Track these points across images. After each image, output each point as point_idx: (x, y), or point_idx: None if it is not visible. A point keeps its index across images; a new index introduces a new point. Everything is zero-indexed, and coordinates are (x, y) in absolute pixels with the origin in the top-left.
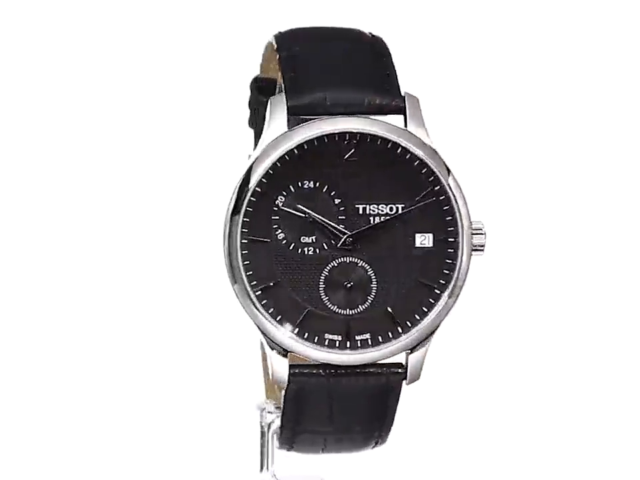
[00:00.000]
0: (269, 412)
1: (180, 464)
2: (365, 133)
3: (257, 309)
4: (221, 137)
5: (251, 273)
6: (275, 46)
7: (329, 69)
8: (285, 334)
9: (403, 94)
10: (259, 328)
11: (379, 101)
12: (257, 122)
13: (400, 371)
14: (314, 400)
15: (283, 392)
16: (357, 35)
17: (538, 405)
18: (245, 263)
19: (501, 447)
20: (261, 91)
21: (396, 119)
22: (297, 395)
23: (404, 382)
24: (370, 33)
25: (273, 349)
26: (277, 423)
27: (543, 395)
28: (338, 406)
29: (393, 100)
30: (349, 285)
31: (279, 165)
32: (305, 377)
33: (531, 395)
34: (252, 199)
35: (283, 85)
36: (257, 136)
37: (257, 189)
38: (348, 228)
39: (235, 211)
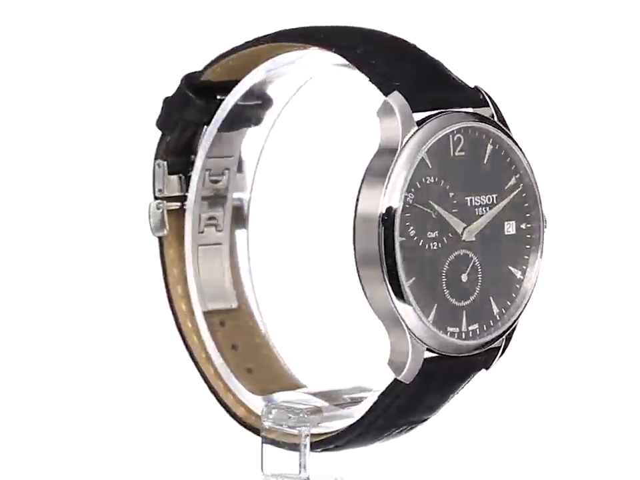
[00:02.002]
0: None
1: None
2: (467, 127)
3: (410, 305)
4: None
5: (402, 270)
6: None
7: (408, 69)
8: (427, 327)
9: (473, 87)
10: (404, 323)
11: (464, 95)
12: (176, 123)
13: (485, 356)
14: (413, 393)
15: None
16: (386, 35)
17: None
18: (400, 261)
19: (533, 450)
20: (196, 91)
21: (484, 112)
22: (403, 389)
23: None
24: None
25: (416, 342)
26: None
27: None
28: (429, 396)
29: (472, 94)
30: (463, 277)
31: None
32: (427, 370)
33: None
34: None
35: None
36: (171, 137)
37: (409, 188)
38: (461, 221)
39: (390, 212)
